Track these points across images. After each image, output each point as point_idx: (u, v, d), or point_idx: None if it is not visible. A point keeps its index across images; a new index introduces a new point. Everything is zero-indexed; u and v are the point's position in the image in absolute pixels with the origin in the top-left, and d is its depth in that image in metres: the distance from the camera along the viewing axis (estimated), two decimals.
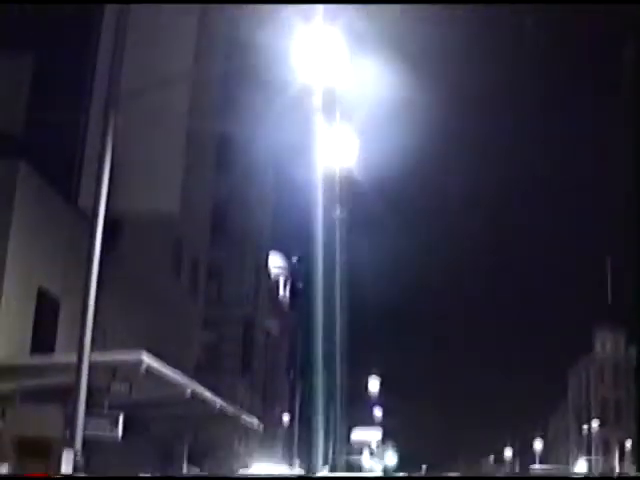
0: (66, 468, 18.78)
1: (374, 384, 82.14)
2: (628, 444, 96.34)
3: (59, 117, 26.98)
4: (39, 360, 23.61)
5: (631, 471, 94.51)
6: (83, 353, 19.35)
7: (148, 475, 8.27)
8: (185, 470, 39.58)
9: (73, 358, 19.63)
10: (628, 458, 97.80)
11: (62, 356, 23.03)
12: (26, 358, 24.08)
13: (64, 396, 20.79)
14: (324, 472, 66.10)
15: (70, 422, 19.52)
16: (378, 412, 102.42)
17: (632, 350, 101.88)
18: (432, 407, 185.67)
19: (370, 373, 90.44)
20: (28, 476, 6.54)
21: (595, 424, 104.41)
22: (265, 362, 72.03)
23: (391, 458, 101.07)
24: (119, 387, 21.31)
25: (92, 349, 19.63)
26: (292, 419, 69.24)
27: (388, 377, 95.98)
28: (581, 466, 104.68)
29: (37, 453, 23.52)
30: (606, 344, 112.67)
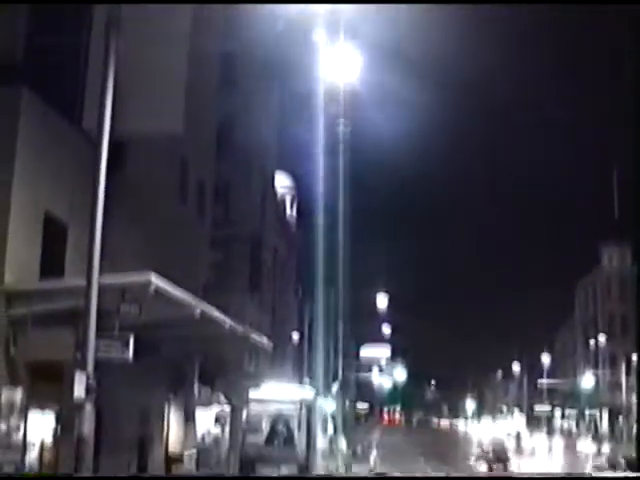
0: (78, 390, 18.97)
1: (382, 301, 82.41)
2: (634, 357, 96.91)
3: (60, 41, 26.72)
4: (48, 285, 23.72)
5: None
6: (92, 276, 19.42)
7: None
8: (196, 389, 40.02)
9: (82, 281, 19.71)
10: (634, 371, 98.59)
11: (71, 280, 23.10)
12: (35, 283, 24.17)
13: (74, 319, 20.93)
14: (334, 388, 66.78)
15: (81, 345, 19.68)
16: (387, 329, 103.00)
17: (638, 264, 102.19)
18: (441, 323, 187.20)
19: (378, 290, 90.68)
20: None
21: (602, 338, 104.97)
22: (273, 281, 72.35)
23: (400, 374, 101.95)
24: (128, 309, 21.40)
25: (100, 272, 19.71)
26: (301, 338, 69.80)
27: (396, 294, 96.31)
28: (588, 380, 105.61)
29: (49, 376, 23.78)
30: (613, 259, 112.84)
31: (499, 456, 52.40)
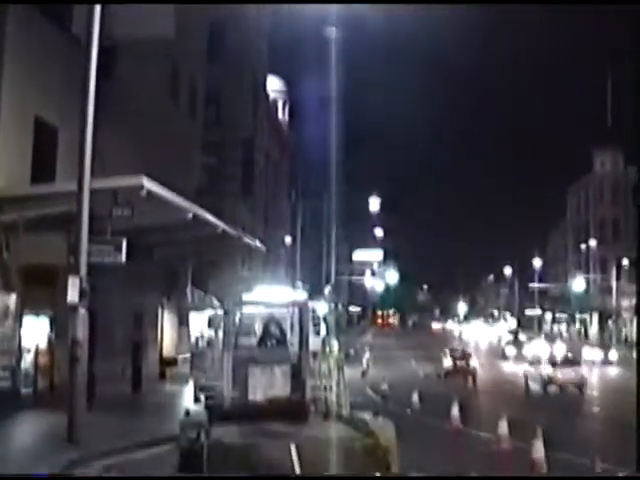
0: (72, 294, 19.11)
1: (375, 204, 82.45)
2: (625, 262, 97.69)
3: None
4: (40, 189, 23.67)
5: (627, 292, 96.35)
6: (83, 180, 19.41)
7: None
8: (189, 293, 40.29)
9: (74, 186, 19.69)
10: (624, 276, 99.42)
11: (63, 184, 23.04)
12: (27, 188, 24.11)
13: (67, 224, 20.95)
14: (327, 290, 67.21)
15: (74, 249, 19.76)
16: (379, 232, 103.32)
17: (631, 169, 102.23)
18: (434, 227, 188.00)
19: (371, 194, 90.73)
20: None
21: (593, 242, 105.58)
22: (266, 185, 72.28)
23: (392, 277, 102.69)
24: (121, 212, 21.39)
25: (92, 176, 19.67)
26: (294, 241, 70.10)
27: (390, 197, 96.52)
28: (579, 283, 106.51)
29: (43, 281, 23.89)
30: (605, 164, 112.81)
31: (463, 354, 56.95)
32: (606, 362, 69.49)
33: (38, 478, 5.97)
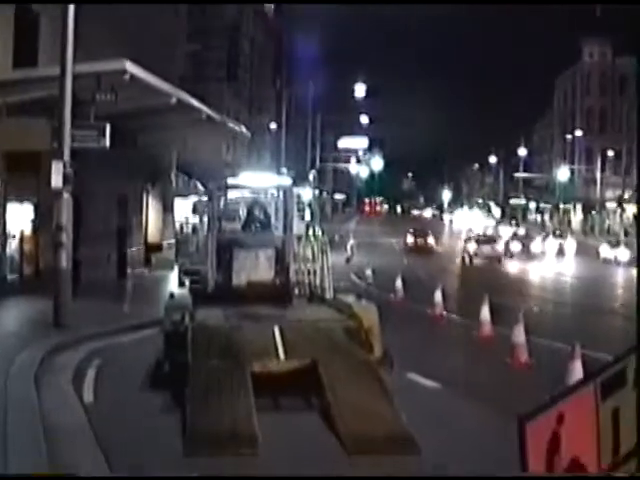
0: (56, 180, 19.12)
1: (360, 90, 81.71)
2: (610, 153, 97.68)
3: None
4: (23, 74, 23.41)
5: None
6: (66, 64, 19.23)
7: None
8: (174, 179, 40.22)
9: (57, 70, 19.51)
10: (609, 167, 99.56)
11: (46, 69, 22.81)
12: (9, 72, 23.84)
13: (50, 109, 20.82)
14: (311, 176, 67.14)
15: (57, 134, 19.69)
16: (365, 119, 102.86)
17: (619, 60, 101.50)
18: (420, 114, 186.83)
19: (357, 79, 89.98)
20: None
21: (579, 133, 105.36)
22: (251, 71, 71.64)
23: (377, 163, 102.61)
24: (104, 97, 21.24)
25: (75, 61, 19.48)
26: (279, 127, 69.72)
27: (375, 83, 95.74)
28: (563, 173, 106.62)
29: (27, 167, 23.82)
30: (593, 54, 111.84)
31: (422, 233, 70.41)
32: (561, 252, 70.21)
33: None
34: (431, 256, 62.97)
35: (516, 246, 66.90)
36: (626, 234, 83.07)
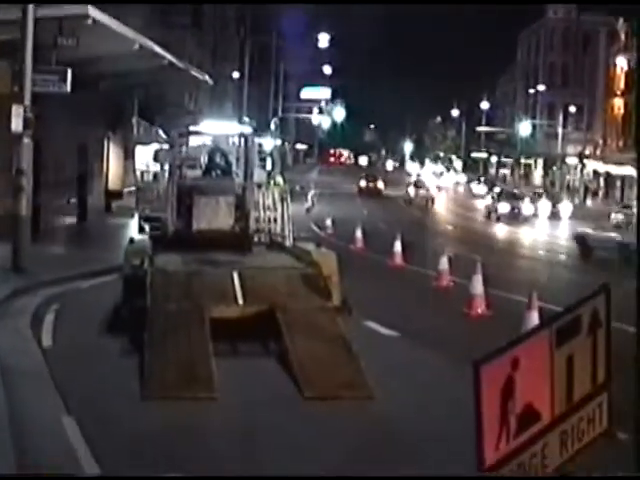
0: (16, 123, 18.93)
1: (324, 40, 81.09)
2: (572, 108, 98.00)
3: None
4: None
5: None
6: (27, 8, 18.99)
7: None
8: (135, 126, 39.94)
9: (18, 14, 19.25)
10: (571, 122, 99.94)
11: (7, 11, 22.41)
12: None
13: (11, 52, 20.56)
14: (273, 126, 66.91)
15: (18, 78, 19.47)
16: (328, 69, 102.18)
17: (583, 16, 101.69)
18: (382, 65, 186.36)
19: (321, 29, 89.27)
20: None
21: (542, 88, 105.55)
22: (215, 19, 70.93)
23: (339, 114, 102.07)
24: (66, 42, 20.98)
25: (37, 5, 19.23)
26: (242, 77, 69.18)
27: (339, 34, 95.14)
28: (525, 127, 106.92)
29: None
30: (558, 11, 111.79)
31: (373, 178, 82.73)
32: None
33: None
34: (381, 199, 73.40)
35: (504, 207, 57.82)
36: (586, 190, 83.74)
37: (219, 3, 69.98)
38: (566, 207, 64.26)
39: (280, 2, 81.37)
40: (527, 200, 61.71)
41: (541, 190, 79.16)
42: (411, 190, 74.08)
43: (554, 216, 62.02)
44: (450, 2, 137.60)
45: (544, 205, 64.23)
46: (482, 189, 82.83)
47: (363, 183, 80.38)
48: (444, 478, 6.83)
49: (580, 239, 34.81)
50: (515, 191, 68.22)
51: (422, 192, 72.84)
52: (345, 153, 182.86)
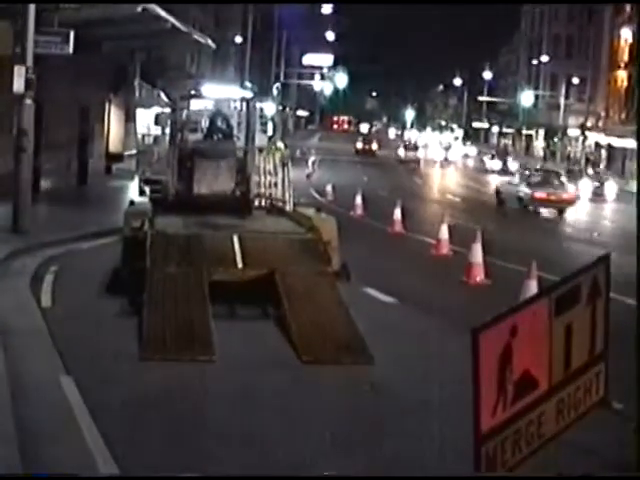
0: (17, 84, 18.88)
1: (327, 6, 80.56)
2: (575, 80, 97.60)
3: None
4: None
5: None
6: None
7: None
8: (137, 89, 39.81)
9: None
10: (573, 94, 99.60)
11: None
12: None
13: (13, 13, 20.48)
14: (274, 91, 66.63)
15: (20, 39, 19.41)
16: (330, 35, 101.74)
17: None
18: (385, 31, 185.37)
19: None
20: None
21: (545, 58, 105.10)
22: None
23: (341, 80, 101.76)
24: (69, 4, 20.94)
25: None
26: (244, 41, 68.89)
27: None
28: (527, 98, 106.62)
29: None
30: None
31: (368, 140, 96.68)
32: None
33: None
34: (380, 164, 75.95)
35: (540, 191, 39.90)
36: (587, 161, 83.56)
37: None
38: (611, 187, 56.12)
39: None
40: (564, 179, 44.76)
41: (576, 167, 73.54)
42: (401, 152, 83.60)
43: (597, 197, 53.16)
44: None
45: (585, 185, 54.91)
46: (497, 164, 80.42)
47: (359, 145, 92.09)
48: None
49: (497, 192, 42.97)
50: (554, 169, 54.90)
51: (410, 154, 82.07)
52: (346, 120, 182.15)
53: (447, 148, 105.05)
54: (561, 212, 39.53)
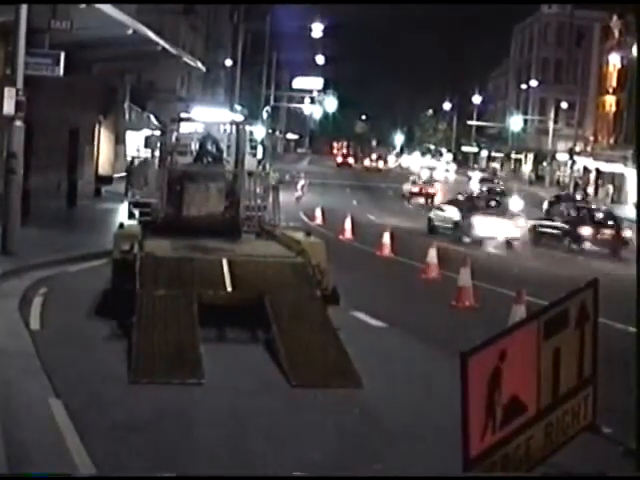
0: (8, 106, 18.89)
1: (317, 30, 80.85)
2: (564, 104, 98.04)
3: None
4: None
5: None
6: None
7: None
8: (127, 111, 39.88)
9: None
10: (562, 118, 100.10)
11: None
12: None
13: (4, 35, 20.50)
14: (265, 114, 66.81)
15: (11, 60, 19.42)
16: (320, 59, 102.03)
17: (577, 12, 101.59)
18: (375, 56, 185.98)
19: (313, 19, 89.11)
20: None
21: (534, 83, 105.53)
22: (209, 5, 70.73)
23: (331, 104, 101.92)
24: (60, 25, 20.94)
25: None
26: (234, 64, 69.13)
27: (332, 23, 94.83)
28: (516, 122, 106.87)
29: None
30: (552, 5, 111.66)
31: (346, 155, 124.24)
32: None
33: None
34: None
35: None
36: (576, 186, 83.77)
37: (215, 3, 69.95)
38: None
39: (278, 2, 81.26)
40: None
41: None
42: (366, 161, 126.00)
43: None
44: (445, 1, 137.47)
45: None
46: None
47: (340, 159, 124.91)
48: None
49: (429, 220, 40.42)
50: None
51: (373, 164, 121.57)
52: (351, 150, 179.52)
53: (432, 169, 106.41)
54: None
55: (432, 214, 41.11)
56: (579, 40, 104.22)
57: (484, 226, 35.44)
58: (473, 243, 33.99)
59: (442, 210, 40.18)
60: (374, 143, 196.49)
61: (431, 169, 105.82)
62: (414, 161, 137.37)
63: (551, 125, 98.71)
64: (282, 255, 14.79)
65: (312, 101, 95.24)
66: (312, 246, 14.80)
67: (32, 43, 19.71)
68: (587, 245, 35.92)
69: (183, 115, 19.82)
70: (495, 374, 4.11)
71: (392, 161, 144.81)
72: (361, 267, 23.75)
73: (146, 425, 9.01)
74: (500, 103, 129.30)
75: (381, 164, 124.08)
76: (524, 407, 4.34)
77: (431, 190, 67.08)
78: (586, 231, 35.82)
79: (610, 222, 37.23)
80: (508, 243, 35.83)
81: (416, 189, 67.54)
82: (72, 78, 22.37)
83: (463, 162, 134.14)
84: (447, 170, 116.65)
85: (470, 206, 37.87)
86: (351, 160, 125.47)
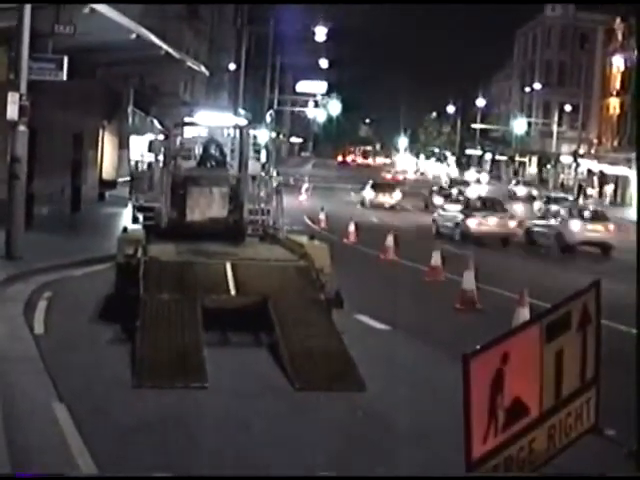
0: (11, 111, 18.91)
1: (321, 34, 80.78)
2: (567, 107, 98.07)
3: None
4: None
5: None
6: None
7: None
8: (131, 116, 39.90)
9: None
10: (566, 121, 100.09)
11: None
12: None
13: (7, 40, 20.53)
14: (268, 118, 66.77)
15: (14, 65, 19.45)
16: (324, 63, 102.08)
17: (580, 15, 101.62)
18: (379, 60, 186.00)
19: (317, 23, 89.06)
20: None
21: (538, 86, 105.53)
22: (212, 8, 70.80)
23: (335, 107, 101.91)
24: (63, 30, 20.95)
25: None
26: (238, 68, 69.18)
27: (336, 27, 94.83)
28: (520, 125, 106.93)
29: None
30: (555, 8, 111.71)
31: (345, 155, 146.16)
32: None
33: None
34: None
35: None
36: (580, 188, 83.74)
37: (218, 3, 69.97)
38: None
39: (278, 2, 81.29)
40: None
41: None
42: (359, 159, 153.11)
43: None
44: (448, 2, 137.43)
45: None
46: (521, 190, 79.60)
47: (340, 158, 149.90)
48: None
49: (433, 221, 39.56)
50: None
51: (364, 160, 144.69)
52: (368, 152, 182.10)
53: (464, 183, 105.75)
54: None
55: (436, 215, 40.77)
56: (583, 43, 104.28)
57: (484, 226, 35.69)
58: (473, 244, 33.95)
59: (446, 211, 40.24)
60: (378, 146, 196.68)
61: (464, 183, 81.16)
62: (433, 168, 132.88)
63: (555, 128, 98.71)
64: (286, 259, 14.79)
65: (316, 105, 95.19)
66: (316, 250, 14.79)
67: (35, 48, 19.75)
68: (577, 238, 35.08)
69: (187, 119, 19.86)
70: (497, 376, 4.10)
71: (411, 170, 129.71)
72: (365, 270, 23.73)
73: (150, 429, 9.02)
74: (504, 106, 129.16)
75: (388, 161, 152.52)
76: (527, 409, 4.33)
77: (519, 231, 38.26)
78: (576, 226, 35.21)
79: (600, 220, 36.31)
80: (504, 241, 35.78)
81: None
82: (75, 83, 22.39)
83: (466, 165, 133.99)
84: (478, 181, 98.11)
85: (472, 206, 37.95)
86: (348, 158, 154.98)
